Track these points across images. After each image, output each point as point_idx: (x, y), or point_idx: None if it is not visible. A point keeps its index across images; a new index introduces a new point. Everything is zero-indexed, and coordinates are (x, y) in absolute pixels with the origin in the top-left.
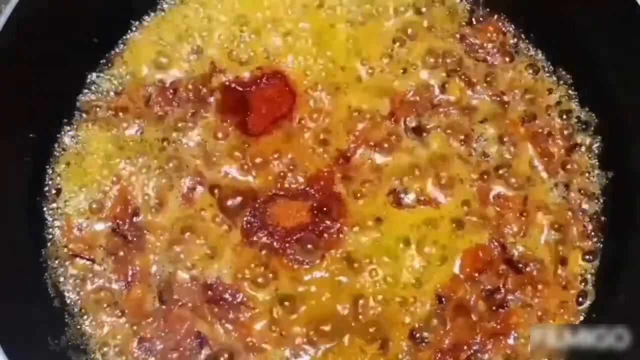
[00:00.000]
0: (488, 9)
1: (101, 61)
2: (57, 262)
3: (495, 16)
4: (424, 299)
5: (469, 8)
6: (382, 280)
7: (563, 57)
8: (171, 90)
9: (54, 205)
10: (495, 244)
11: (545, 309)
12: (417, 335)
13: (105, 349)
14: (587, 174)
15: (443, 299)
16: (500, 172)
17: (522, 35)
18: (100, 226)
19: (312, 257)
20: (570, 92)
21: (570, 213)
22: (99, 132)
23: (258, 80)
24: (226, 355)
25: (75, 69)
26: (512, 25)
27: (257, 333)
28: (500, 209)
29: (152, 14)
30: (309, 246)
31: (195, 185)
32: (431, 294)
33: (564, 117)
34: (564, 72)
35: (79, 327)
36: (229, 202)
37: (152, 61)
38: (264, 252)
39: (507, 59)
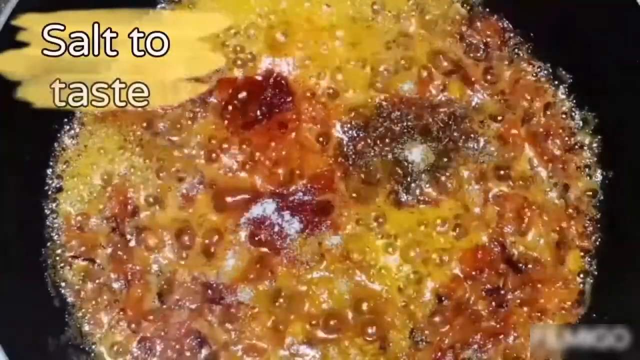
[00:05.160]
0: (488, 9)
1: None
2: (57, 262)
3: (495, 16)
4: (424, 298)
5: (468, 8)
6: (382, 279)
7: (563, 57)
8: None
9: (54, 204)
10: (495, 243)
11: (545, 309)
12: (417, 335)
13: (105, 349)
14: (586, 174)
15: (443, 299)
16: (500, 172)
17: (522, 35)
18: (100, 225)
19: (312, 256)
20: (570, 92)
21: (569, 213)
22: (99, 131)
23: (257, 80)
24: (226, 355)
25: None
26: (512, 25)
27: (256, 332)
28: (500, 208)
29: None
30: (309, 245)
31: (195, 184)
32: (431, 294)
33: (564, 116)
34: (564, 72)
35: (79, 326)
36: (229, 202)
37: None
38: (264, 251)
39: (507, 59)
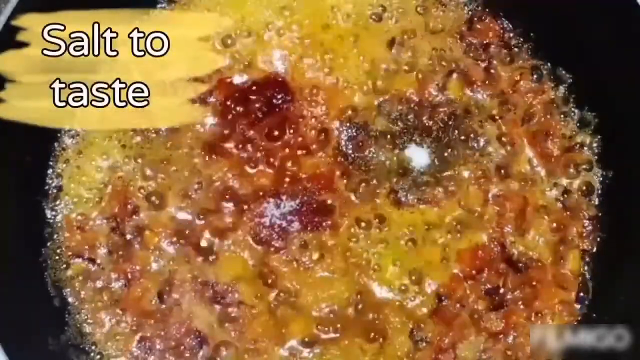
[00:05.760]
0: (488, 9)
1: None
2: (57, 261)
3: (495, 16)
4: (424, 298)
5: (468, 8)
6: (382, 279)
7: (563, 57)
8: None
9: (54, 204)
10: (495, 243)
11: (545, 309)
12: (417, 335)
13: (105, 348)
14: (586, 174)
15: (443, 299)
16: (500, 172)
17: (522, 35)
18: (100, 225)
19: (312, 256)
20: (570, 92)
21: (569, 212)
22: (99, 130)
23: (257, 80)
24: (225, 354)
25: None
26: (512, 25)
27: (256, 332)
28: (500, 208)
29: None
30: (309, 245)
31: (195, 184)
32: (431, 294)
33: (564, 116)
34: (564, 72)
35: (79, 326)
36: (229, 201)
37: None
38: (264, 251)
39: (507, 59)
